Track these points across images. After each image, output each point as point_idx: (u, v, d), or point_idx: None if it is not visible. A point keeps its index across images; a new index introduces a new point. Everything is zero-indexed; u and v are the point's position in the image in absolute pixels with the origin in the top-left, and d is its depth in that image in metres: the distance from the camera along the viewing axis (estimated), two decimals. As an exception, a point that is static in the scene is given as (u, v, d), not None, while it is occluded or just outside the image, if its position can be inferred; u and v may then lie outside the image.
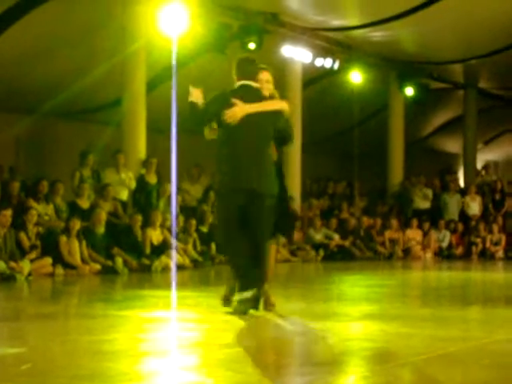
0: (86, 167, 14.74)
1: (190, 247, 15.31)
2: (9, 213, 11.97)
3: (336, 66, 19.37)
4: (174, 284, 11.09)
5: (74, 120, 18.44)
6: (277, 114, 7.36)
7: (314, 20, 17.79)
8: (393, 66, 21.57)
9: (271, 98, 7.50)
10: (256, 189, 7.08)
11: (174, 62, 6.23)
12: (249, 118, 7.13)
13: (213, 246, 16.00)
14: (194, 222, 15.65)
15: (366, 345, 5.74)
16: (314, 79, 20.57)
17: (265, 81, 7.51)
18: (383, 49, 19.96)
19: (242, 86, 7.37)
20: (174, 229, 14.39)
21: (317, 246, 18.52)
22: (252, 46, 16.70)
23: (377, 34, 18.73)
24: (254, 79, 7.43)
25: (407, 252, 20.29)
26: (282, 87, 18.98)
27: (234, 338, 5.89)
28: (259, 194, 7.10)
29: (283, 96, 8.19)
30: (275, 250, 7.66)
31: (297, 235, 18.40)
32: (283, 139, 7.58)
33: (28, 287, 11.19)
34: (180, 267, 13.78)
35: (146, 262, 13.82)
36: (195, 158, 17.15)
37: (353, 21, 17.76)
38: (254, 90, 7.39)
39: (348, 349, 5.58)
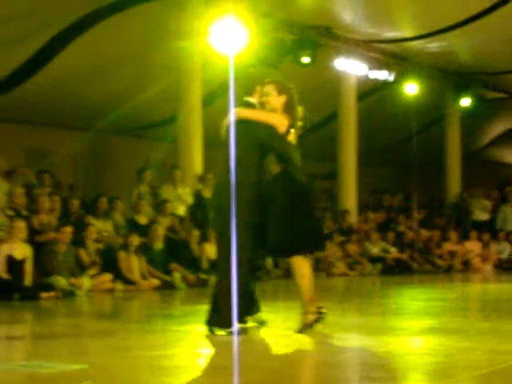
0: (144, 183, 14.90)
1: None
2: (69, 230, 12.14)
3: (391, 77, 19.30)
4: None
5: (131, 136, 18.65)
6: (265, 128, 6.92)
7: (367, 32, 17.76)
8: (448, 76, 21.41)
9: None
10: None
11: (231, 78, 6.32)
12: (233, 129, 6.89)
13: (268, 260, 16.00)
14: (250, 237, 15.65)
15: (427, 359, 5.68)
16: (369, 91, 20.52)
17: (260, 94, 7.13)
18: (438, 60, 19.83)
19: (242, 103, 7.14)
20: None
21: (374, 260, 18.40)
22: (306, 59, 16.72)
23: (432, 45, 18.62)
24: (251, 94, 7.16)
25: (466, 264, 20.05)
26: (336, 100, 19.19)
27: (293, 353, 5.88)
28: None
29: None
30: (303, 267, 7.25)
31: (354, 249, 18.31)
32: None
33: (88, 303, 11.32)
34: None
35: (204, 276, 13.88)
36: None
37: (407, 32, 17.68)
38: (248, 104, 7.10)
39: (408, 363, 5.53)
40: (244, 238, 6.68)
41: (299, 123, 7.19)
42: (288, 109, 7.06)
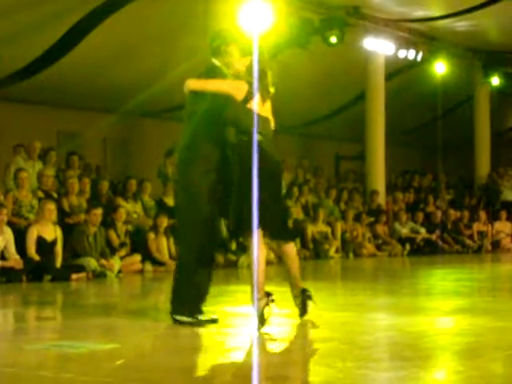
0: (172, 165, 14.93)
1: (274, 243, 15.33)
2: (99, 212, 12.21)
3: (419, 57, 19.16)
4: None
5: (159, 118, 18.68)
6: (219, 97, 6.15)
7: (396, 11, 17.63)
8: (477, 55, 21.23)
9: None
10: None
11: (256, 59, 6.04)
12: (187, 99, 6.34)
13: (297, 240, 16.01)
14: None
15: (457, 339, 5.67)
16: (397, 71, 20.38)
17: (229, 55, 6.30)
18: (467, 39, 19.66)
19: (207, 65, 6.43)
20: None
21: (403, 240, 18.35)
22: (334, 39, 16.63)
23: (461, 24, 18.45)
24: (217, 55, 6.35)
25: (496, 245, 19.95)
26: (364, 80, 19.11)
27: (325, 333, 5.89)
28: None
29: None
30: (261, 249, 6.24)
31: (382, 229, 18.27)
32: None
33: (118, 284, 11.40)
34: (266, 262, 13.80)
35: (233, 257, 13.92)
36: (279, 153, 17.17)
37: (436, 11, 17.52)
38: (213, 67, 6.34)
39: (438, 343, 5.52)
40: (197, 217, 6.15)
41: (271, 89, 6.33)
42: (252, 72, 6.16)
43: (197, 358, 4.91)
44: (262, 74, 6.18)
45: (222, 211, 6.28)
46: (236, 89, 6.13)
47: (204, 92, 6.18)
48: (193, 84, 6.26)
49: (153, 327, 6.26)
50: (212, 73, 6.30)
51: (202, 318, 6.06)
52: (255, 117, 6.09)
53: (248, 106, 6.14)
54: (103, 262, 11.93)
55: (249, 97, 6.14)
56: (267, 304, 5.96)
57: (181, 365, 4.73)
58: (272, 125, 6.38)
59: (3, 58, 14.45)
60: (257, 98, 6.16)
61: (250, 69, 6.15)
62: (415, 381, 4.13)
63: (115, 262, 12.12)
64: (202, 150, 6.16)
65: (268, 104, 6.32)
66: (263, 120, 6.20)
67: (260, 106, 6.21)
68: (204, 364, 4.80)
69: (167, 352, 5.28)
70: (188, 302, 6.10)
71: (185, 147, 6.25)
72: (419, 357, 4.84)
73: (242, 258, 13.84)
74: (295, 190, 17.38)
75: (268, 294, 6.02)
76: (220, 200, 6.21)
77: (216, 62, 6.31)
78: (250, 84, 6.15)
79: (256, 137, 6.03)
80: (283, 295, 8.14)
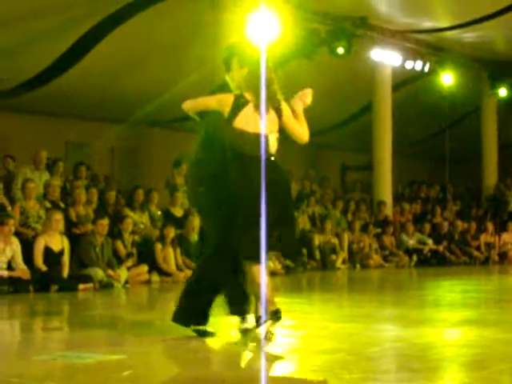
0: (180, 176, 14.95)
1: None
2: (106, 222, 12.23)
3: (426, 68, 19.17)
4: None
5: (167, 128, 18.72)
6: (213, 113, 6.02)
7: (403, 22, 17.66)
8: (485, 66, 21.23)
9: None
10: None
11: (263, 70, 5.97)
12: None
13: (304, 251, 16.00)
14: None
15: (464, 351, 5.66)
16: (405, 82, 20.40)
17: (233, 69, 6.16)
18: (474, 50, 19.67)
19: (219, 83, 6.37)
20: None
21: (410, 252, 18.33)
22: (341, 50, 16.66)
23: (468, 35, 18.47)
24: (229, 70, 6.21)
25: (503, 256, 19.90)
26: (371, 91, 19.12)
27: (331, 344, 5.88)
28: None
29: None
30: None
31: (389, 240, 18.25)
32: None
33: (125, 294, 11.40)
34: (272, 273, 13.80)
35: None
36: (285, 164, 17.20)
37: (443, 22, 17.54)
38: (224, 83, 6.23)
39: (446, 355, 5.51)
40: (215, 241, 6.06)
41: (279, 97, 6.01)
42: (250, 84, 5.95)
43: (204, 370, 4.91)
44: (267, 84, 5.91)
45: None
46: (220, 103, 5.94)
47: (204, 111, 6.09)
48: (186, 105, 6.13)
49: (160, 338, 6.26)
50: (220, 89, 6.22)
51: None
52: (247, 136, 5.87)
53: (238, 118, 5.87)
54: (110, 272, 11.94)
55: (237, 109, 5.88)
56: (273, 322, 5.84)
57: (188, 376, 4.73)
58: (271, 137, 5.98)
59: (12, 69, 14.52)
60: (263, 109, 5.89)
61: (248, 80, 5.95)
62: (422, 393, 4.12)
63: (122, 273, 12.13)
64: (206, 169, 6.12)
65: (273, 114, 6.00)
66: (253, 137, 5.86)
67: (254, 119, 5.88)
68: (211, 376, 4.79)
69: (174, 363, 5.28)
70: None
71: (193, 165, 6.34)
72: (426, 368, 4.83)
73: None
74: (301, 200, 17.37)
75: (276, 312, 5.84)
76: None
77: (227, 77, 6.22)
78: (240, 95, 5.94)
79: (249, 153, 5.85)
80: (289, 306, 8.14)
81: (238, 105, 5.90)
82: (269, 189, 5.72)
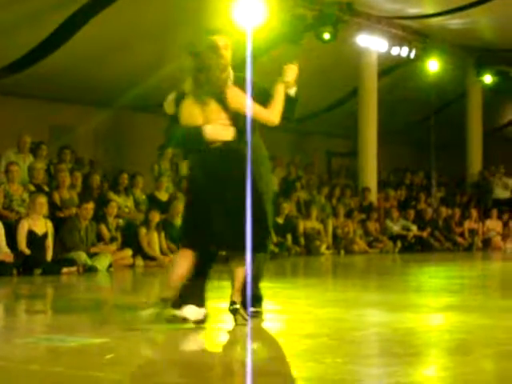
0: (165, 160, 14.92)
1: (266, 238, 15.34)
2: (90, 206, 12.20)
3: (412, 54, 19.17)
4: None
5: (151, 113, 18.64)
6: None
7: (389, 8, 17.63)
8: (470, 53, 21.27)
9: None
10: None
11: (248, 55, 5.92)
12: None
13: (288, 237, 16.03)
14: (270, 213, 15.67)
15: (447, 336, 5.69)
16: (390, 68, 20.40)
17: (222, 47, 5.96)
18: (460, 36, 19.67)
19: None
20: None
21: (394, 238, 18.38)
22: (327, 36, 16.62)
23: (454, 22, 18.47)
24: None
25: (487, 243, 20.01)
26: (357, 77, 19.11)
27: (314, 329, 5.89)
28: None
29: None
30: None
31: (374, 226, 18.29)
32: None
33: (109, 278, 11.38)
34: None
35: (224, 253, 13.89)
36: (271, 150, 17.20)
37: (429, 8, 17.53)
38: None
39: (429, 340, 5.54)
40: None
41: (217, 87, 5.79)
42: (188, 73, 5.87)
43: (186, 353, 4.92)
44: (203, 71, 5.74)
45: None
46: (167, 105, 6.02)
47: None
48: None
49: (143, 322, 6.25)
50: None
51: None
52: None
53: (181, 114, 5.79)
54: (95, 249, 11.96)
55: (177, 105, 5.84)
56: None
57: (171, 358, 4.73)
58: (213, 127, 5.75)
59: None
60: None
61: (187, 69, 5.83)
62: (405, 377, 4.14)
63: (106, 257, 12.11)
64: None
65: (214, 103, 5.75)
66: (194, 130, 5.73)
67: (193, 112, 5.76)
68: (193, 358, 4.80)
69: (157, 346, 5.28)
70: None
71: None
72: (409, 353, 4.85)
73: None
74: (288, 186, 17.40)
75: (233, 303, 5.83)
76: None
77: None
78: (181, 90, 5.84)
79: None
80: (273, 291, 8.15)
81: (178, 100, 5.85)
82: (217, 181, 5.73)
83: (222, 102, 5.76)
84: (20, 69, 15.19)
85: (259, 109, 5.88)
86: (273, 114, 5.92)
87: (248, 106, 5.80)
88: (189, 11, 14.80)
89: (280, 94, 5.99)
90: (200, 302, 5.87)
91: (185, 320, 5.71)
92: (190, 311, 5.75)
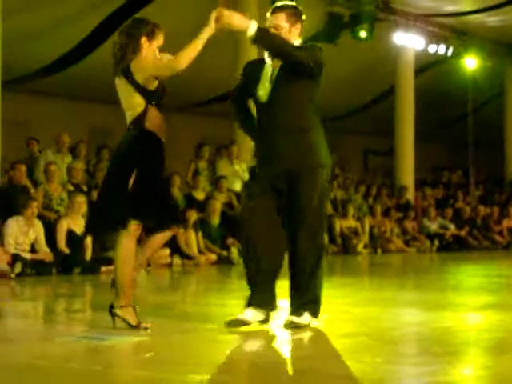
0: (202, 159, 14.97)
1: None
2: (128, 205, 12.25)
3: (450, 52, 19.05)
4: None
5: (188, 113, 18.73)
6: None
7: (426, 6, 17.55)
8: (509, 51, 21.05)
9: None
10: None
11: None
12: None
13: (325, 236, 15.97)
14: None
15: (486, 335, 5.65)
16: (427, 66, 20.28)
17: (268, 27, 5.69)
18: (498, 33, 19.52)
19: None
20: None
21: (432, 236, 18.27)
22: (363, 34, 16.59)
23: (491, 19, 18.33)
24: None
25: (526, 241, 19.80)
26: (394, 75, 19.01)
27: (353, 328, 5.88)
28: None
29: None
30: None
31: (411, 225, 18.20)
32: None
33: (147, 277, 11.44)
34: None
35: (224, 252, 13.85)
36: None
37: (466, 6, 17.43)
38: None
39: (467, 339, 5.51)
40: None
41: (124, 65, 5.85)
42: None
43: (224, 352, 4.93)
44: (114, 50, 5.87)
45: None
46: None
47: None
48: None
49: (181, 320, 6.29)
50: None
51: None
52: None
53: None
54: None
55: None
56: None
57: (210, 358, 4.75)
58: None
59: (35, 52, 14.57)
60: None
61: None
62: (444, 376, 4.12)
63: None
64: None
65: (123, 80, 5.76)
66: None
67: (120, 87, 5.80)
68: (231, 359, 4.81)
69: (196, 346, 5.30)
70: None
71: None
72: (447, 352, 4.82)
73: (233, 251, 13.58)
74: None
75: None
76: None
77: None
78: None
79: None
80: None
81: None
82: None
83: (127, 76, 5.73)
84: (59, 69, 15.35)
85: (159, 62, 5.78)
86: (175, 60, 5.67)
87: (150, 68, 5.71)
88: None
89: (196, 40, 5.78)
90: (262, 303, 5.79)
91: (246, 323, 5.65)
92: (250, 314, 5.71)
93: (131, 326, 5.58)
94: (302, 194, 5.62)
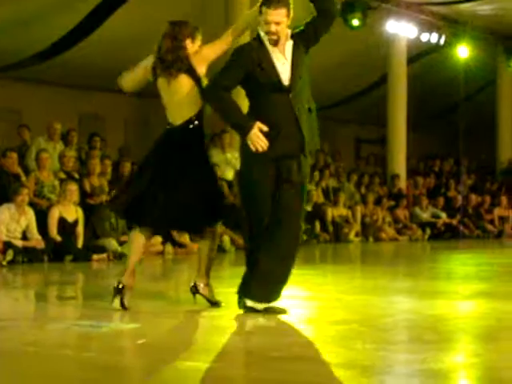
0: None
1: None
2: (123, 192, 12.23)
3: (442, 40, 19.05)
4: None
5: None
6: None
7: (419, -6, 17.53)
8: (500, 39, 21.07)
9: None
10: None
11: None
12: None
13: (317, 224, 16.01)
14: (298, 201, 15.67)
15: (477, 323, 5.68)
16: (420, 55, 20.27)
17: (265, 22, 5.72)
18: (490, 22, 19.51)
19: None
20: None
21: (423, 225, 18.30)
22: (356, 22, 16.57)
23: (484, 8, 18.32)
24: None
25: (517, 230, 19.86)
26: (386, 63, 19.01)
27: (344, 315, 5.90)
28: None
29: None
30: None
31: (403, 213, 18.23)
32: None
33: (139, 265, 11.41)
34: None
35: (253, 240, 13.90)
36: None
37: (459, -6, 17.42)
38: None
39: (458, 326, 5.52)
40: None
41: (182, 65, 6.07)
42: None
43: (219, 338, 4.94)
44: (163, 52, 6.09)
45: None
46: None
47: None
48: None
49: (173, 308, 6.30)
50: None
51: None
52: None
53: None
54: (124, 237, 11.99)
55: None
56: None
57: (203, 345, 4.76)
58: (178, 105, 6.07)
59: (26, 39, 14.51)
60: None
61: None
62: (435, 363, 4.14)
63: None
64: None
65: (178, 82, 6.03)
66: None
67: (164, 89, 6.14)
68: (223, 344, 4.82)
69: (188, 332, 5.31)
70: None
71: None
72: (439, 340, 4.84)
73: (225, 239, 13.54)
74: (316, 173, 17.36)
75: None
76: None
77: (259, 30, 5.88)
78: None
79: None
80: (302, 277, 8.16)
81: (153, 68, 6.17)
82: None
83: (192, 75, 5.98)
84: (50, 57, 15.28)
85: (211, 45, 6.05)
86: (224, 38, 6.04)
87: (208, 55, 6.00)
88: (214, 2, 14.81)
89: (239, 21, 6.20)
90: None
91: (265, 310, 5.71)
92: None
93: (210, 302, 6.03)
94: (304, 173, 5.81)
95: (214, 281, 6.31)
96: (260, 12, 5.73)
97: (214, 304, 6.08)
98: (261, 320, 5.65)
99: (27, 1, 13.83)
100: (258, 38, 5.78)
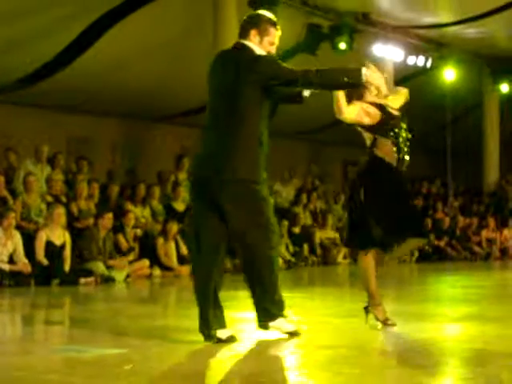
0: (182, 170, 14.96)
1: (282, 248, 15.35)
2: (110, 216, 12.25)
3: (428, 63, 19.15)
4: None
5: (168, 123, 18.68)
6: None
7: (405, 18, 17.63)
8: (487, 62, 21.21)
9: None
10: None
11: None
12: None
13: (305, 246, 16.01)
14: (286, 223, 15.69)
15: (465, 346, 5.66)
16: (407, 77, 20.35)
17: (270, 43, 5.78)
18: (477, 45, 19.64)
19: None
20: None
21: (411, 247, 18.28)
22: (343, 46, 16.64)
23: (470, 31, 18.44)
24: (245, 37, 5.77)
25: (505, 252, 19.90)
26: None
27: (333, 340, 5.88)
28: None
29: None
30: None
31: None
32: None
33: (126, 288, 11.40)
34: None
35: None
36: (288, 160, 17.27)
37: (445, 18, 17.52)
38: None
39: (446, 350, 5.51)
40: None
41: None
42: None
43: (205, 364, 4.91)
44: None
45: None
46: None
47: None
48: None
49: (161, 332, 6.27)
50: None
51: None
52: None
53: None
54: (112, 262, 11.95)
55: None
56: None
57: (191, 370, 4.73)
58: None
59: (14, 63, 14.50)
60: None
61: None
62: (423, 388, 4.12)
63: (124, 264, 12.14)
64: None
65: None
66: None
67: None
68: (212, 370, 4.79)
69: (176, 357, 5.28)
70: None
71: None
72: (428, 364, 4.83)
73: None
74: (303, 196, 17.38)
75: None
76: None
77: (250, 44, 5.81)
78: None
79: None
80: (291, 301, 8.12)
81: None
82: None
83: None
84: (37, 80, 15.27)
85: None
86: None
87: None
88: (204, 22, 14.85)
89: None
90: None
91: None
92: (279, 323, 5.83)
93: (378, 321, 6.30)
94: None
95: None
96: (265, 30, 5.71)
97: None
98: (248, 345, 5.63)
99: (15, 24, 13.84)
100: None
